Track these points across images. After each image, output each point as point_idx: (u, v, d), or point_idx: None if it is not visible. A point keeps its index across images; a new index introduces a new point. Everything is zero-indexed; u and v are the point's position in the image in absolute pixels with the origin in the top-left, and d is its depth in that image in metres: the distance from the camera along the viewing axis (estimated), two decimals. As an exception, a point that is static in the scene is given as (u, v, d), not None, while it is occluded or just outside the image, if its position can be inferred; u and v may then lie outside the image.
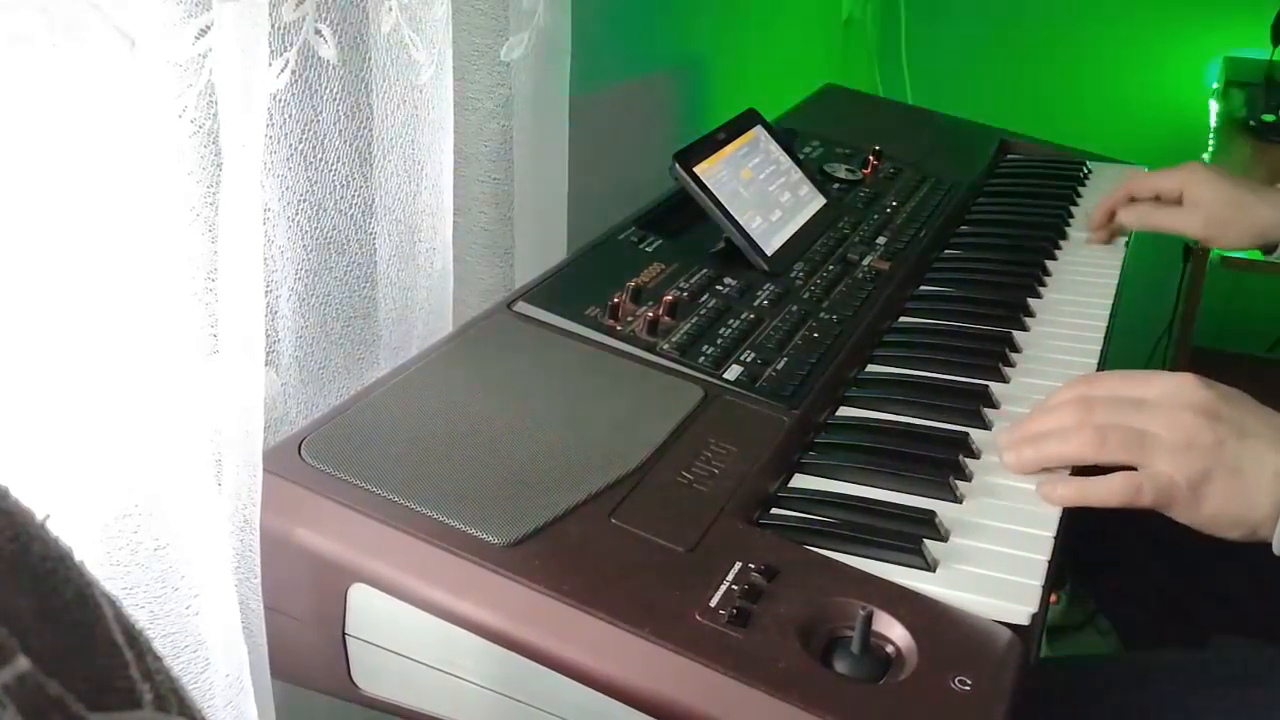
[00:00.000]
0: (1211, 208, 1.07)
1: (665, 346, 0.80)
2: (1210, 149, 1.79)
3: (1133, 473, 0.70)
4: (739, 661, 0.55)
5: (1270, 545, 0.70)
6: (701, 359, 0.80)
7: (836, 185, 1.15)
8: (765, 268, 0.93)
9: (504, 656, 0.58)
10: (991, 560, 0.65)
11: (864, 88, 1.96)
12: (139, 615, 0.58)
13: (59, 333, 0.52)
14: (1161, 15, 2.13)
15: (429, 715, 0.63)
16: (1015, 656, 0.59)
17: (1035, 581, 0.64)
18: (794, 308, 0.89)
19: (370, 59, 0.75)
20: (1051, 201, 1.23)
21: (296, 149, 0.72)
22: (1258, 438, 0.70)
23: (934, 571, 0.64)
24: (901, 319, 0.97)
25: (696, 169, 0.94)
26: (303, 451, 0.65)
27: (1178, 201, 1.11)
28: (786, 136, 1.12)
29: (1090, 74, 2.19)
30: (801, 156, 1.15)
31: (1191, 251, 1.91)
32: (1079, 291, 1.04)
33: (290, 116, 0.70)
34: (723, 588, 0.59)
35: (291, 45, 0.67)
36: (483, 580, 0.59)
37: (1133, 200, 1.14)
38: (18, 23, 0.48)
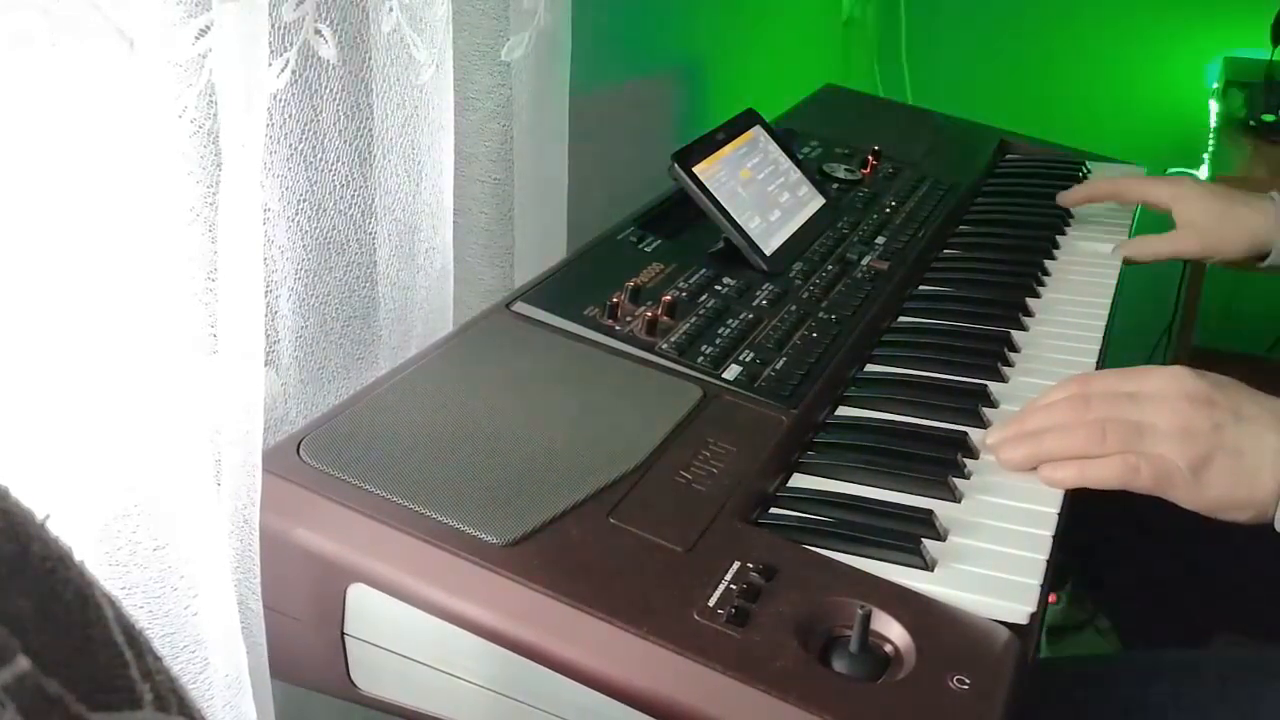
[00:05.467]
0: (1205, 225, 1.09)
1: (664, 346, 0.80)
2: (1210, 149, 1.80)
3: (1130, 455, 0.71)
4: (738, 661, 0.55)
5: (1274, 529, 0.71)
6: (700, 359, 0.80)
7: (836, 185, 1.15)
8: (764, 268, 0.93)
9: (503, 656, 0.58)
10: (990, 559, 0.65)
11: (864, 88, 1.96)
12: (138, 615, 0.58)
13: (59, 332, 0.52)
14: (1161, 15, 2.13)
15: (428, 715, 0.63)
16: (1014, 656, 0.59)
17: (1034, 581, 0.64)
18: (793, 308, 0.89)
19: (370, 59, 0.75)
20: (1051, 201, 1.23)
21: (296, 149, 0.72)
22: (1254, 420, 0.71)
23: (932, 571, 0.64)
24: (900, 319, 0.97)
25: (695, 169, 0.95)
26: (302, 451, 0.65)
27: (1165, 212, 1.12)
28: (786, 137, 1.12)
29: (1090, 74, 2.19)
30: (801, 156, 1.15)
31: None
32: (1078, 291, 1.04)
33: (290, 116, 0.70)
34: (721, 587, 0.59)
35: (291, 45, 0.67)
36: (482, 580, 0.59)
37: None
38: (18, 23, 0.48)
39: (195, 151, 0.60)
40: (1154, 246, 1.12)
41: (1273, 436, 0.70)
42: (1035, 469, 0.73)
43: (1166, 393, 0.72)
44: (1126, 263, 1.11)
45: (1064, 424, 0.73)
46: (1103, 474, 0.71)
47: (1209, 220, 1.08)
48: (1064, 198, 1.18)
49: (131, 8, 0.52)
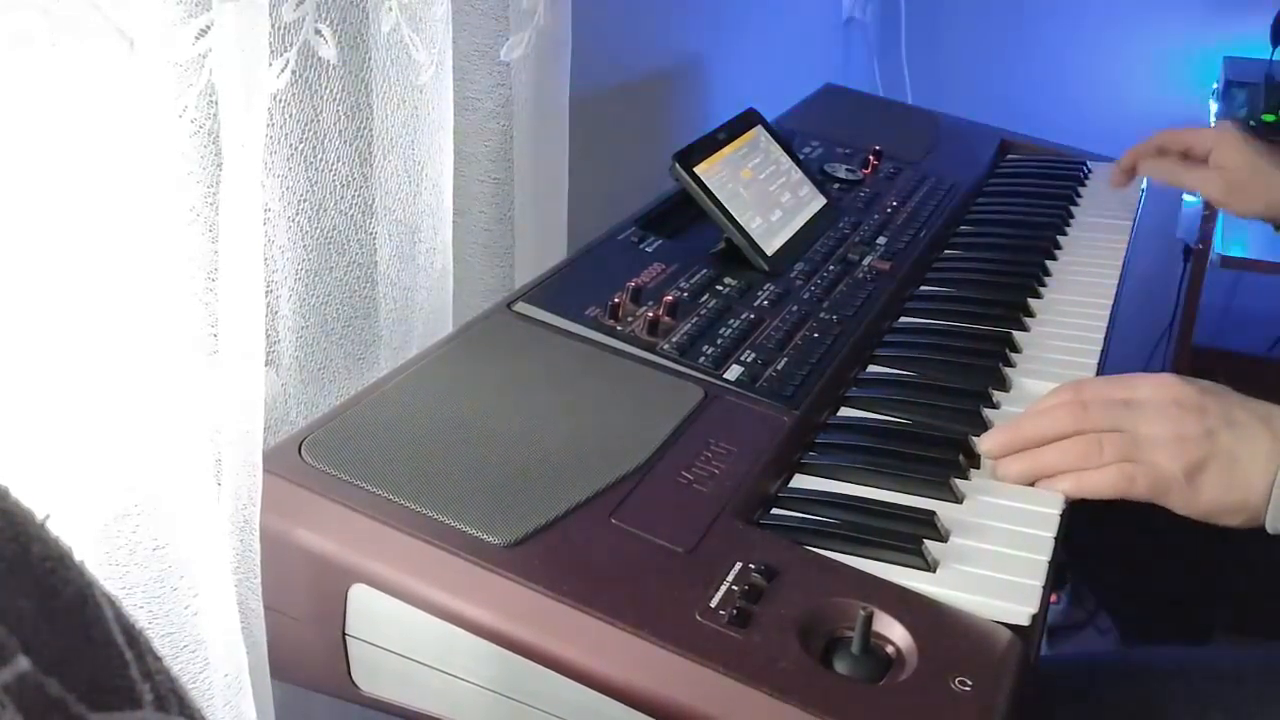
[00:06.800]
0: (1235, 173, 1.10)
1: (665, 347, 0.80)
2: (1210, 149, 1.79)
3: (1126, 464, 0.71)
4: (739, 662, 0.55)
5: (1267, 531, 0.71)
6: (702, 359, 0.80)
7: (837, 185, 1.15)
8: (765, 268, 0.93)
9: (504, 657, 0.58)
10: (992, 561, 0.65)
11: (864, 88, 1.96)
12: (138, 615, 0.57)
13: (59, 332, 0.52)
14: (1162, 15, 2.13)
15: (429, 715, 0.63)
16: (1015, 657, 0.59)
17: (1036, 582, 0.64)
18: (794, 308, 0.89)
19: (370, 59, 0.75)
20: (1051, 201, 1.23)
21: (296, 149, 0.72)
22: (1245, 424, 0.72)
23: (934, 572, 0.64)
24: (902, 319, 0.97)
25: (697, 169, 0.94)
26: (303, 452, 0.65)
27: (1204, 159, 1.13)
28: (787, 136, 1.12)
29: (1090, 74, 2.19)
30: (801, 156, 1.15)
31: (1191, 251, 1.91)
32: (1079, 291, 1.04)
33: (290, 116, 0.70)
34: (723, 588, 0.59)
35: (291, 45, 0.67)
36: (483, 581, 0.58)
37: (1160, 153, 1.16)
38: (18, 23, 0.48)
39: (195, 151, 0.60)
40: (1178, 175, 1.15)
41: (1263, 440, 0.71)
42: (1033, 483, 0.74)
43: (1158, 400, 0.73)
44: (1145, 178, 1.18)
45: (1060, 434, 0.73)
46: (1099, 484, 0.71)
47: (1241, 169, 1.10)
48: (1115, 176, 1.21)
49: (131, 8, 0.52)
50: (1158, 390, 0.74)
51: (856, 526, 0.67)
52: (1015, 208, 1.21)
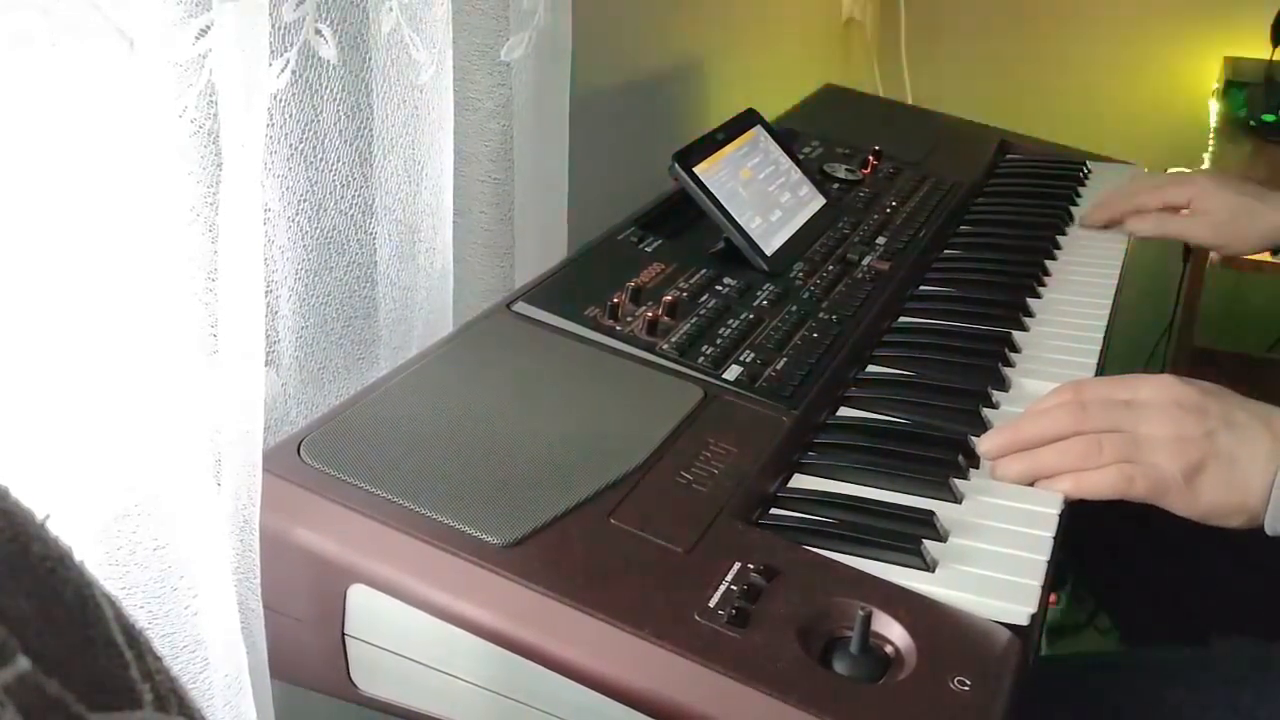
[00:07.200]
0: (1221, 218, 1.11)
1: (665, 347, 0.80)
2: (1210, 149, 1.79)
3: (1125, 464, 0.71)
4: (738, 662, 0.55)
5: (1266, 533, 0.71)
6: (701, 359, 0.80)
7: (836, 185, 1.15)
8: (765, 268, 0.93)
9: (503, 657, 0.58)
10: (991, 560, 0.65)
11: (864, 88, 1.96)
12: (138, 615, 0.58)
13: (59, 332, 0.52)
14: (1162, 15, 2.13)
15: (428, 715, 0.63)
16: (1014, 657, 0.59)
17: (1034, 582, 0.64)
18: (793, 308, 0.89)
19: (370, 59, 0.75)
20: (1051, 201, 1.23)
21: (296, 149, 0.72)
22: (1245, 426, 0.72)
23: (933, 572, 0.64)
24: (901, 319, 0.97)
25: (696, 169, 0.94)
26: (302, 452, 0.65)
27: (1186, 208, 1.14)
28: (786, 136, 1.12)
29: (1090, 74, 2.19)
30: (801, 156, 1.15)
31: (1191, 251, 1.90)
32: (1079, 291, 1.04)
33: (290, 116, 0.70)
34: (722, 588, 0.59)
35: (291, 45, 0.67)
36: (482, 581, 0.59)
37: (1140, 211, 1.16)
38: (18, 23, 0.48)
39: (195, 151, 0.60)
40: (1165, 226, 1.16)
41: (1263, 442, 0.71)
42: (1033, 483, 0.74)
43: (1159, 401, 0.73)
44: (1134, 234, 1.16)
45: (1060, 435, 0.73)
46: (1099, 485, 0.72)
47: (1224, 214, 1.11)
48: (1088, 220, 1.19)
49: (131, 8, 0.52)
50: (1158, 391, 0.74)
51: (856, 526, 0.67)
52: (1015, 208, 1.21)
